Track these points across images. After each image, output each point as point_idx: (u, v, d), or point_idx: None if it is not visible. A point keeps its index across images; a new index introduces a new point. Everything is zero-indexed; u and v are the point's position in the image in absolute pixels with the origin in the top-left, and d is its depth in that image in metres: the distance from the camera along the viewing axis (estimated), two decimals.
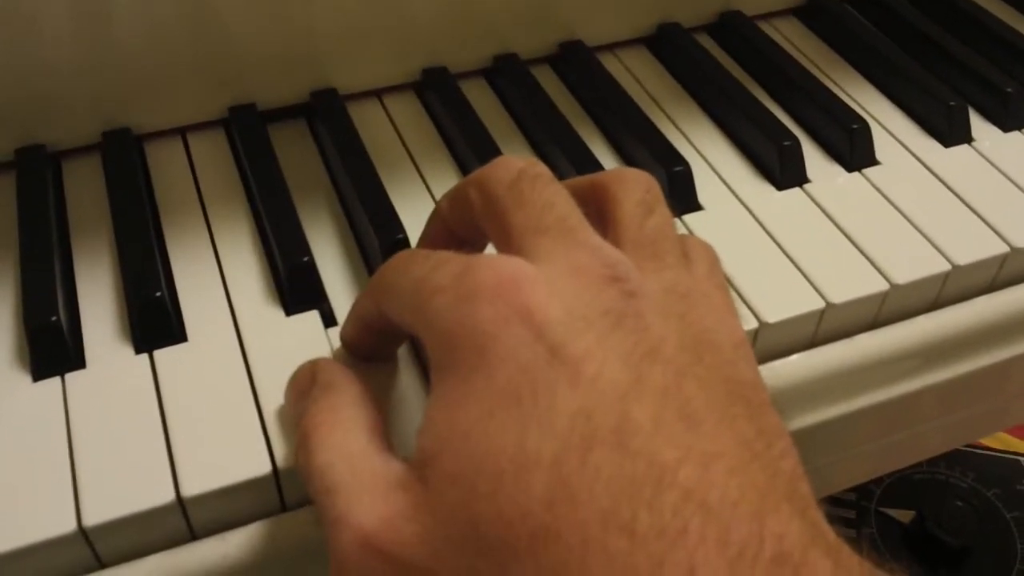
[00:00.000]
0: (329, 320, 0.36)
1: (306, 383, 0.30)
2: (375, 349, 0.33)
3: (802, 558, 0.21)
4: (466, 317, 0.24)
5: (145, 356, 0.34)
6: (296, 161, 0.43)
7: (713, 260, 0.29)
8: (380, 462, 0.25)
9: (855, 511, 0.77)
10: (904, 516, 0.76)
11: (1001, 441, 0.82)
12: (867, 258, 0.39)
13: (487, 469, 0.22)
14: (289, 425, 0.31)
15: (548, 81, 0.49)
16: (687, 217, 0.41)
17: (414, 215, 0.39)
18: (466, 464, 0.22)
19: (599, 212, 0.28)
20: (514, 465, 0.22)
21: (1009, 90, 0.47)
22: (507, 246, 0.27)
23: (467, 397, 0.23)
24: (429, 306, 0.25)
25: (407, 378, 0.33)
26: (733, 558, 0.20)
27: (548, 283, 0.24)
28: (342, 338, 0.33)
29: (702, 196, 0.42)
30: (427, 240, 0.32)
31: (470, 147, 0.43)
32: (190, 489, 0.29)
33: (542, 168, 0.28)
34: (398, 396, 0.33)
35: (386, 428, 0.28)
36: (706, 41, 0.52)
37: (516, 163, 0.28)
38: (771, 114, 0.45)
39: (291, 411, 0.31)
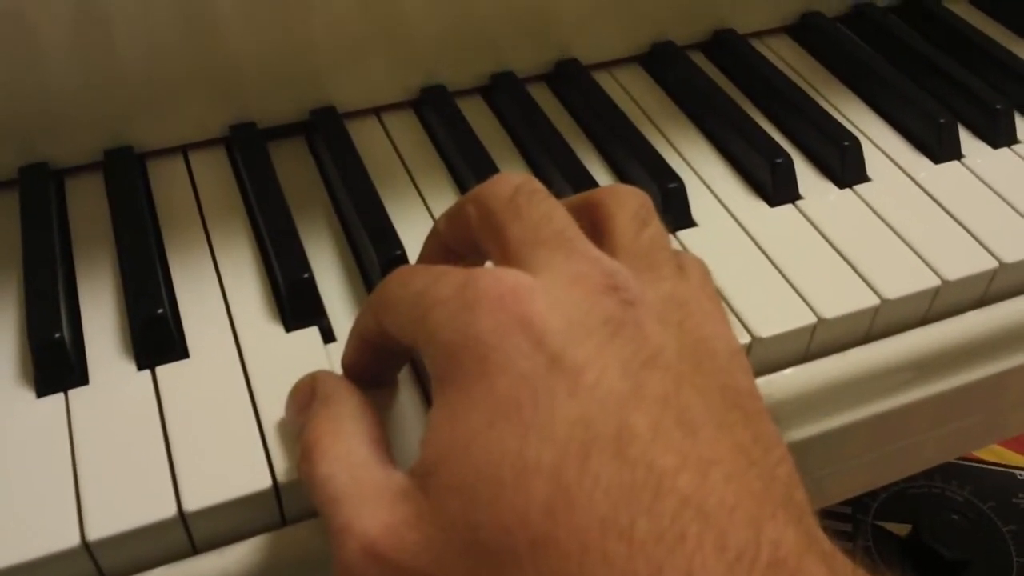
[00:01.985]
0: (328, 336, 0.36)
1: (306, 396, 0.30)
2: (377, 370, 0.33)
3: (797, 564, 0.21)
4: (467, 328, 0.24)
5: (147, 372, 0.34)
6: (296, 178, 0.44)
7: (705, 273, 0.30)
8: (382, 473, 0.25)
9: (851, 524, 0.77)
10: (900, 529, 0.76)
11: (997, 454, 0.82)
12: (858, 273, 0.39)
13: (488, 478, 0.22)
14: (290, 439, 0.32)
15: (544, 99, 0.49)
16: (681, 233, 0.41)
17: (412, 232, 0.39)
18: (467, 473, 0.23)
19: (593, 226, 0.29)
20: (514, 473, 0.22)
21: (999, 107, 0.47)
22: (505, 259, 0.27)
23: (468, 407, 0.24)
24: (430, 318, 0.25)
25: (408, 398, 0.34)
26: (731, 563, 0.21)
27: (548, 293, 0.24)
28: (344, 364, 0.33)
29: (696, 212, 0.42)
30: (425, 259, 0.32)
31: (467, 164, 0.44)
32: (192, 504, 0.30)
33: (539, 184, 0.28)
34: (399, 415, 0.33)
35: (387, 439, 0.28)
36: (700, 59, 0.53)
37: (513, 179, 0.28)
38: (764, 131, 0.46)
39: (292, 424, 0.31)
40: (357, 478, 0.25)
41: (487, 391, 0.23)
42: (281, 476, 0.31)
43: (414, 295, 0.26)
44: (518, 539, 0.22)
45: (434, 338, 0.25)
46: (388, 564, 0.23)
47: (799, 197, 0.43)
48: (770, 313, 0.37)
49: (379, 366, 0.33)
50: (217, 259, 0.39)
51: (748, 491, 0.22)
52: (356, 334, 0.32)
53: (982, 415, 0.45)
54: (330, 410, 0.28)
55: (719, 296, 0.30)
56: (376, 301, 0.29)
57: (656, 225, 0.29)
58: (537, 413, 0.23)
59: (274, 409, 0.32)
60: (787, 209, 0.43)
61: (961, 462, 0.81)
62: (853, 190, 0.44)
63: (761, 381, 0.37)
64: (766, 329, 0.37)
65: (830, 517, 0.77)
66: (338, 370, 0.34)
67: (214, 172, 0.44)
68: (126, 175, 0.42)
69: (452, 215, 0.30)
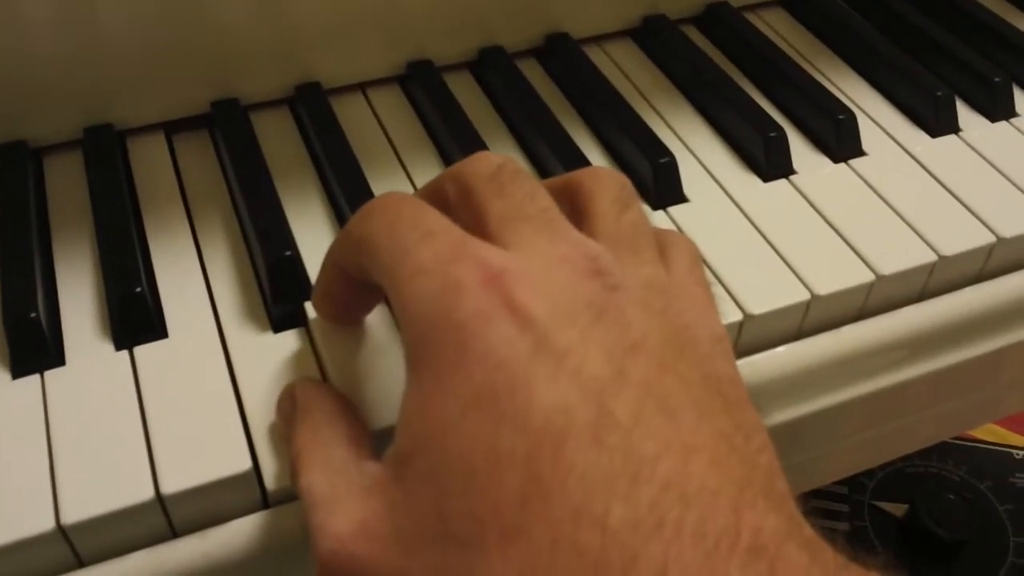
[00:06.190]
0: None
1: (289, 409, 0.30)
2: (350, 302, 0.32)
3: (777, 551, 0.21)
4: (450, 311, 0.23)
5: (125, 353, 0.33)
6: (281, 151, 0.43)
7: (694, 256, 0.29)
8: (357, 471, 0.25)
9: (848, 505, 0.76)
10: (897, 509, 0.76)
11: (993, 433, 0.82)
12: (853, 249, 0.38)
13: (460, 468, 0.22)
14: (269, 419, 0.31)
15: (534, 74, 0.49)
16: (672, 209, 0.40)
17: None
18: (440, 463, 0.22)
19: (573, 208, 0.28)
20: (487, 464, 0.22)
21: (997, 80, 0.47)
22: (484, 235, 0.26)
23: (444, 394, 0.23)
24: (409, 286, 0.24)
25: (387, 340, 0.33)
26: (709, 550, 0.20)
27: (533, 277, 0.24)
28: (316, 296, 0.32)
29: (688, 188, 0.41)
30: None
31: (455, 140, 0.43)
32: (170, 486, 0.29)
33: (520, 165, 0.28)
34: (381, 359, 0.33)
35: (367, 433, 0.28)
36: (692, 32, 0.52)
37: (494, 158, 0.28)
38: (757, 105, 0.45)
39: (283, 438, 0.31)
40: (333, 481, 0.25)
41: (464, 379, 0.23)
42: (262, 458, 0.30)
43: (395, 247, 0.25)
44: (488, 531, 0.21)
45: (410, 308, 0.24)
46: (358, 560, 0.23)
47: (793, 172, 0.43)
48: (763, 290, 0.36)
49: (353, 297, 0.31)
50: (198, 238, 0.39)
51: (730, 477, 0.22)
52: (332, 262, 0.30)
53: (979, 394, 0.44)
54: (307, 419, 0.28)
55: (707, 279, 0.29)
56: (356, 235, 0.28)
57: (637, 208, 0.29)
58: (514, 402, 0.22)
59: (255, 390, 0.32)
60: (781, 184, 0.42)
61: (958, 441, 0.81)
62: (848, 164, 0.43)
63: (753, 359, 0.36)
64: (758, 306, 0.36)
65: (825, 497, 0.77)
66: (319, 351, 0.33)
67: (196, 149, 0.43)
68: (105, 153, 0.42)
69: (427, 192, 0.29)
